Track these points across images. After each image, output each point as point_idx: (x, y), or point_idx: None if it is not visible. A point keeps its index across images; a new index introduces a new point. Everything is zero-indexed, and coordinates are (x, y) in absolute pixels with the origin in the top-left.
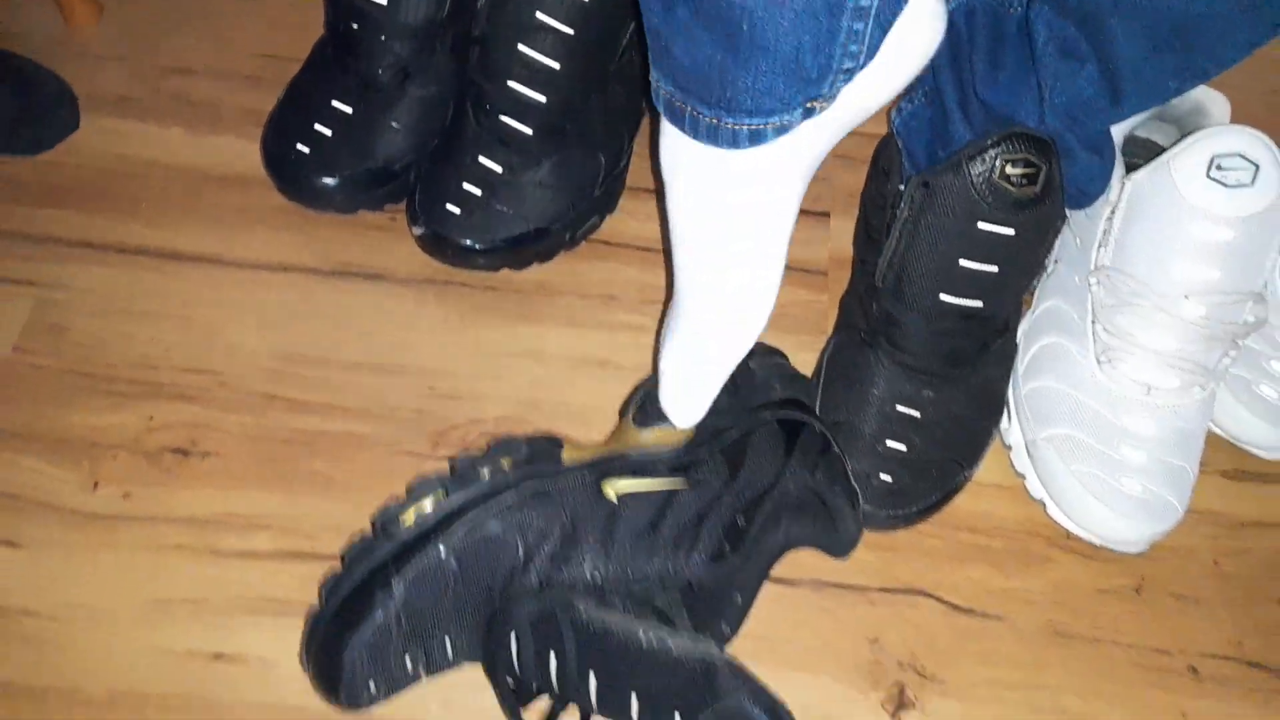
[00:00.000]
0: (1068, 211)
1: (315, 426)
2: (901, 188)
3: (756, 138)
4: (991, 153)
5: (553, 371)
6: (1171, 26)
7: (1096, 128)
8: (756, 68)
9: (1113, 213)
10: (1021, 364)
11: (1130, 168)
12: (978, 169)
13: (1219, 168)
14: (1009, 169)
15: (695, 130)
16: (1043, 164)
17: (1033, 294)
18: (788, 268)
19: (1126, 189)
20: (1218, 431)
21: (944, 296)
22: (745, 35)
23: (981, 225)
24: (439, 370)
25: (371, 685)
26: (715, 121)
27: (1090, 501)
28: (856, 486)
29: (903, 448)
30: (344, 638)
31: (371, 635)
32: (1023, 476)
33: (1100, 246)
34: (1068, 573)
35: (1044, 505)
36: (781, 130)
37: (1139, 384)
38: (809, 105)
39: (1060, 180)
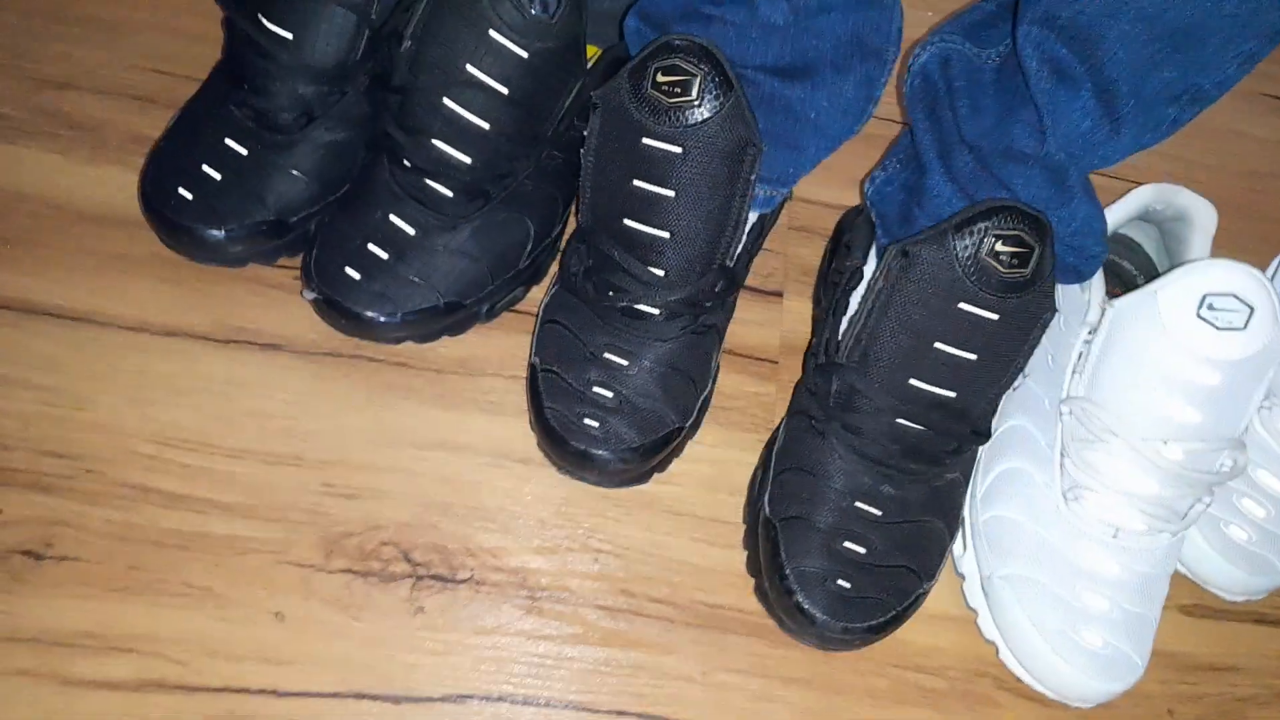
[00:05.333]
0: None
1: (193, 526)
2: (860, 264)
3: None
4: (980, 225)
5: (467, 468)
6: (1170, 33)
7: (1095, 164)
8: None
9: (1090, 337)
10: (981, 486)
11: (1109, 266)
12: (964, 242)
13: (1210, 307)
14: (999, 246)
15: None
16: (1036, 244)
17: None
18: (733, 354)
19: (1108, 315)
20: (1180, 569)
21: (914, 381)
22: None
23: (963, 306)
24: (338, 462)
25: None
26: None
27: (1047, 654)
28: (807, 592)
29: (862, 550)
30: None
31: None
32: (975, 612)
33: (1076, 373)
34: None
35: (996, 647)
36: None
37: (1106, 525)
38: None
39: (1052, 265)
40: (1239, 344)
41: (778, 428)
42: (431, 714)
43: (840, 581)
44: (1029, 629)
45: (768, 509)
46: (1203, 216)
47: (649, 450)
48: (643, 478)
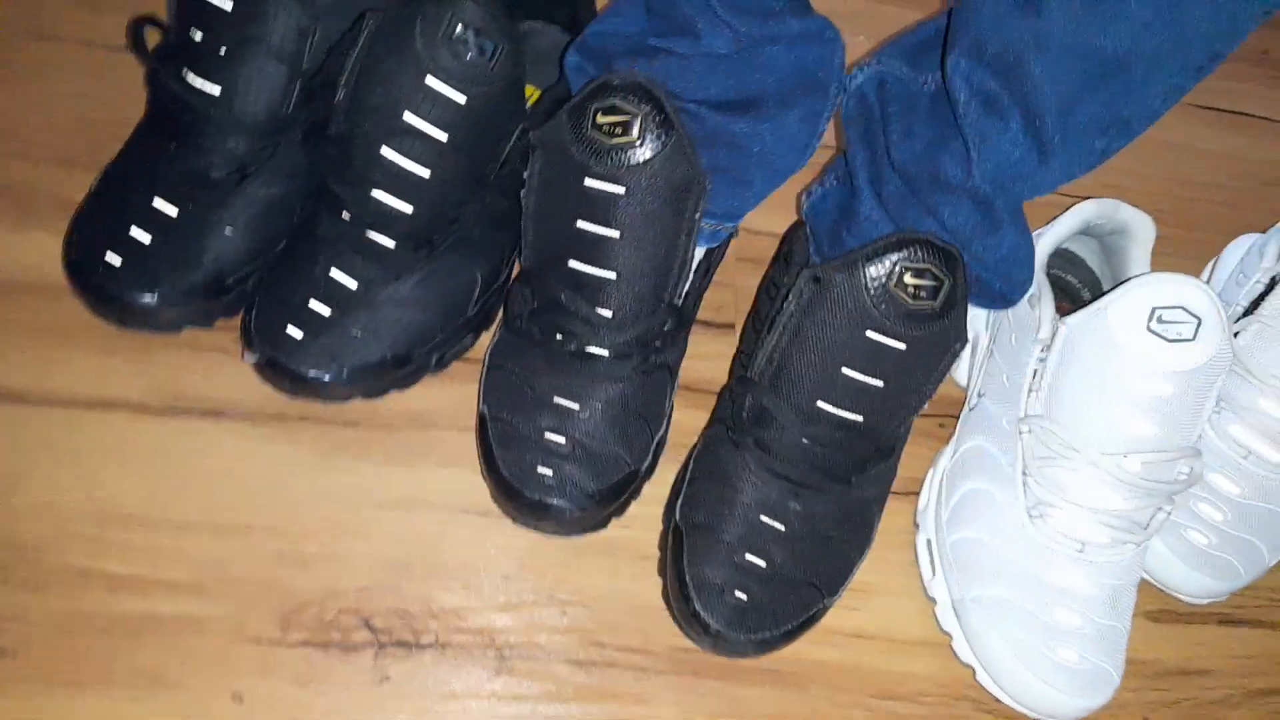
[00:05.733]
0: (994, 337)
1: (141, 609)
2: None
3: None
4: (892, 256)
5: (425, 525)
6: (1095, 66)
7: (1023, 194)
8: None
9: (1044, 354)
10: (945, 509)
11: (1054, 280)
12: (874, 272)
13: (1160, 320)
14: (908, 278)
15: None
16: (946, 277)
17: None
18: (688, 389)
19: (1060, 333)
20: (1144, 576)
21: (821, 404)
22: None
23: (871, 334)
24: (290, 530)
25: None
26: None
27: (1024, 675)
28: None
29: (762, 563)
30: None
31: None
32: (949, 635)
33: (1032, 391)
34: None
35: (973, 670)
36: None
37: (1072, 540)
38: None
39: (964, 297)
40: (1189, 355)
41: (701, 433)
42: None
43: (738, 593)
44: (1005, 650)
45: (677, 514)
46: (1142, 230)
47: (606, 496)
48: (601, 524)
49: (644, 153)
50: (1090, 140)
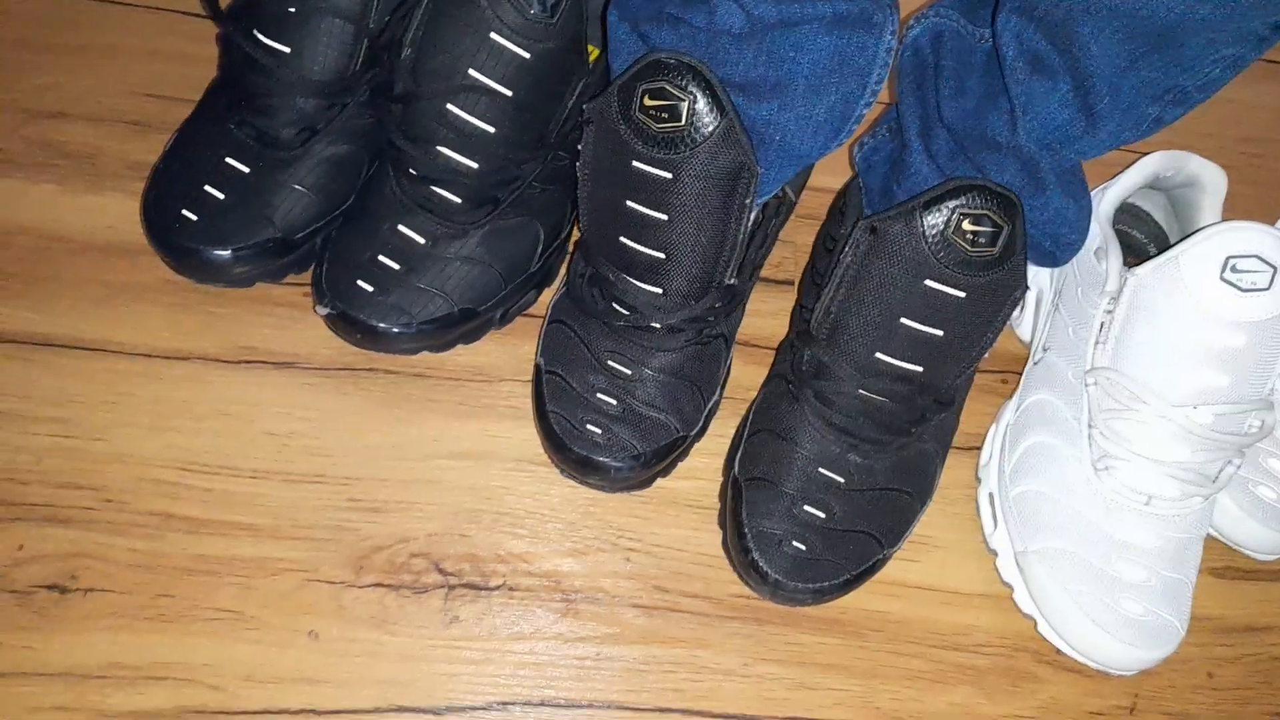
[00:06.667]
0: (1059, 291)
1: (220, 551)
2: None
3: None
4: (950, 204)
5: (492, 475)
6: (1147, 33)
7: (1072, 157)
8: None
9: (1111, 306)
10: (1009, 463)
11: (1123, 237)
12: (931, 220)
13: (1234, 269)
14: (966, 225)
15: None
16: (1005, 224)
17: (1019, 379)
18: (747, 345)
19: (1129, 284)
20: (1210, 531)
21: (880, 355)
22: None
23: (929, 283)
24: (361, 477)
25: None
26: None
27: (1088, 626)
28: (763, 551)
29: (821, 515)
30: None
31: None
32: (1010, 587)
33: (1099, 344)
34: (1057, 693)
35: (1034, 621)
36: None
37: (1138, 494)
38: None
39: (1023, 244)
40: (1264, 305)
41: (761, 387)
42: None
43: (796, 543)
44: (1067, 602)
45: (737, 468)
46: (1213, 181)
47: (652, 459)
48: (646, 483)
49: (692, 139)
50: (1142, 107)
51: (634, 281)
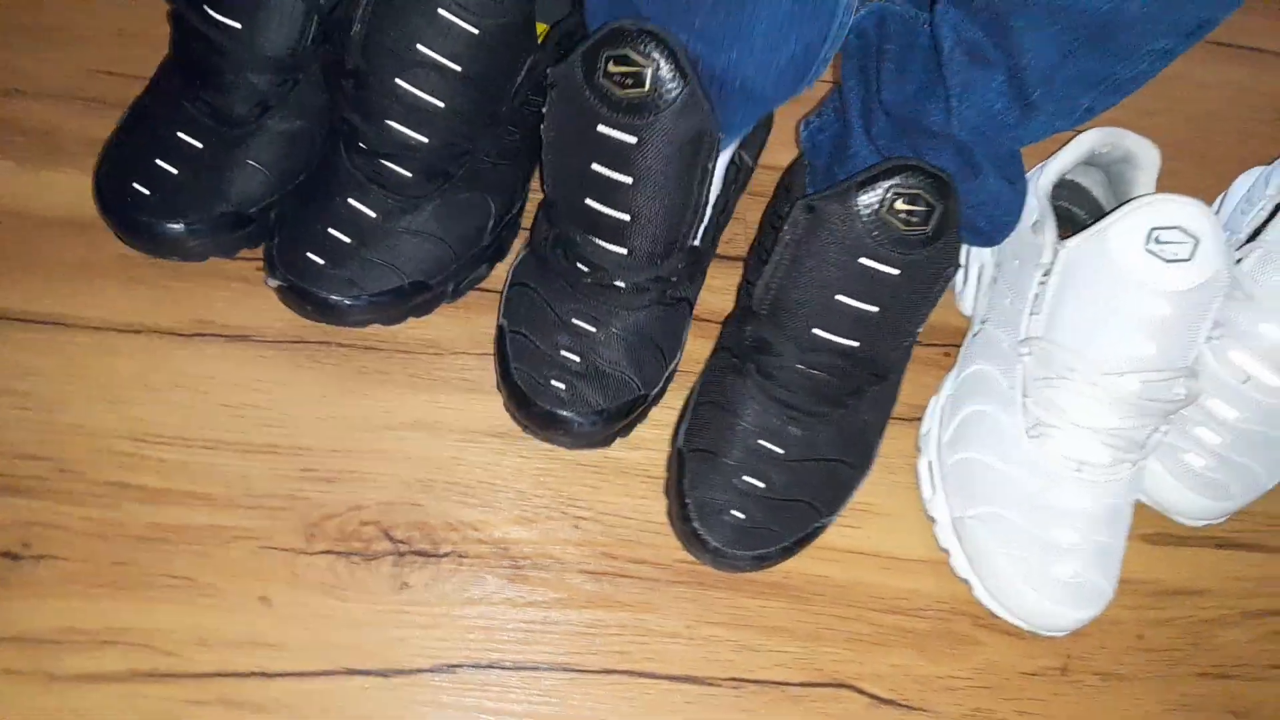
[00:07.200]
0: (999, 264)
1: (174, 520)
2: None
3: None
4: (883, 184)
5: (444, 445)
6: (1080, 26)
7: (1007, 144)
8: None
9: (1045, 278)
10: (947, 430)
11: (1060, 211)
12: (865, 200)
13: (1157, 240)
14: (899, 204)
15: None
16: (938, 203)
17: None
18: (697, 320)
19: (1061, 256)
20: (1142, 498)
21: (818, 331)
22: None
23: (864, 261)
24: (313, 448)
25: None
26: None
27: (1021, 587)
28: (703, 520)
29: (760, 485)
30: None
31: None
32: (948, 552)
33: (1033, 314)
34: (993, 655)
35: (970, 586)
36: None
37: (1070, 460)
38: None
39: (954, 223)
40: (1187, 275)
41: (708, 359)
42: (422, 685)
43: (735, 512)
44: (1002, 565)
45: (681, 439)
46: (1147, 157)
47: (614, 415)
48: (606, 441)
49: (656, 104)
50: (1075, 98)
51: (599, 243)
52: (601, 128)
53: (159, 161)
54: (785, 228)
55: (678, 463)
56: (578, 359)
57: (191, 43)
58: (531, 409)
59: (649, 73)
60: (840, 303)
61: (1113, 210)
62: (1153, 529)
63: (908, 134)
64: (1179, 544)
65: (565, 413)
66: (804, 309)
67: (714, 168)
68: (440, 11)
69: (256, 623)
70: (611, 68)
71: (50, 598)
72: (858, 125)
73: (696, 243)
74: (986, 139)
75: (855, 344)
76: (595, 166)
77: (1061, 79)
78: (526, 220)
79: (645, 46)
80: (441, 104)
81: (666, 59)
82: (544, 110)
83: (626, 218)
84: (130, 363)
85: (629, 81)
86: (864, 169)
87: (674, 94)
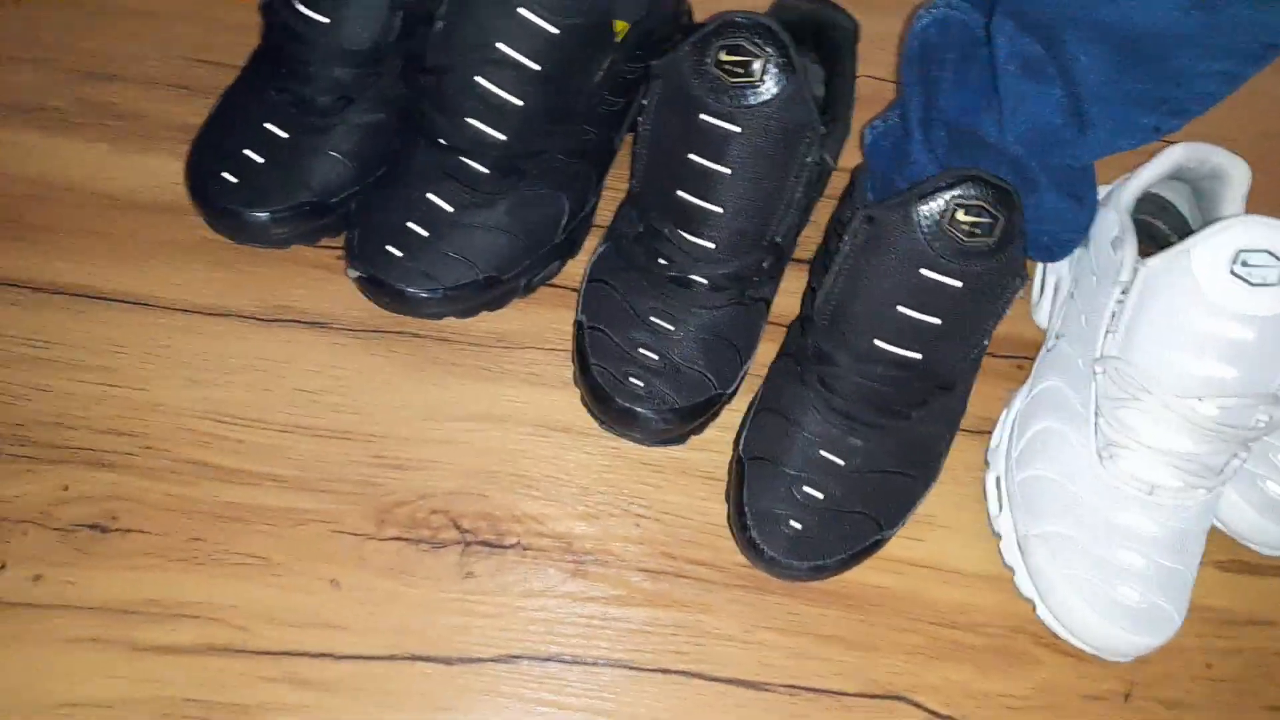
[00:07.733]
0: (1076, 279)
1: (249, 500)
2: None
3: None
4: (945, 195)
5: (511, 438)
6: (1129, 45)
7: (1064, 160)
8: None
9: (1123, 296)
10: (1016, 446)
11: (1142, 226)
12: (927, 210)
13: (1244, 263)
14: (960, 215)
15: None
16: (1001, 214)
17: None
18: (769, 323)
19: (1140, 275)
20: (1217, 525)
21: (878, 342)
22: None
23: (925, 272)
24: (386, 435)
25: None
26: None
27: (1084, 610)
28: (760, 530)
29: (819, 495)
30: None
31: None
32: (1011, 570)
33: (1109, 332)
34: (1053, 675)
35: (1033, 604)
36: None
37: (1142, 483)
38: None
39: (1020, 235)
40: (1273, 300)
41: (772, 364)
42: (483, 674)
43: (794, 523)
44: (1066, 586)
45: (741, 445)
46: (1237, 174)
47: (690, 413)
48: (681, 439)
49: (763, 94)
50: (1135, 117)
51: (686, 235)
52: (704, 117)
53: (246, 150)
54: (845, 238)
55: (738, 469)
56: (656, 357)
57: (279, 34)
58: (610, 405)
59: (760, 64)
60: (901, 314)
61: (1198, 229)
62: (1226, 556)
63: (964, 145)
64: (1253, 573)
65: (643, 409)
66: (864, 320)
67: (810, 163)
68: (520, 10)
69: (325, 604)
70: (724, 57)
71: (132, 570)
72: (918, 133)
73: (779, 239)
74: (1041, 154)
75: (918, 355)
76: (692, 157)
77: (1117, 97)
78: (599, 218)
79: (759, 38)
80: (520, 102)
81: (777, 49)
82: (643, 103)
83: (719, 210)
84: (211, 344)
85: (739, 71)
86: (924, 179)
87: (782, 84)
